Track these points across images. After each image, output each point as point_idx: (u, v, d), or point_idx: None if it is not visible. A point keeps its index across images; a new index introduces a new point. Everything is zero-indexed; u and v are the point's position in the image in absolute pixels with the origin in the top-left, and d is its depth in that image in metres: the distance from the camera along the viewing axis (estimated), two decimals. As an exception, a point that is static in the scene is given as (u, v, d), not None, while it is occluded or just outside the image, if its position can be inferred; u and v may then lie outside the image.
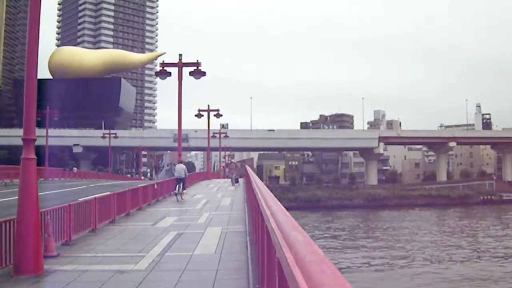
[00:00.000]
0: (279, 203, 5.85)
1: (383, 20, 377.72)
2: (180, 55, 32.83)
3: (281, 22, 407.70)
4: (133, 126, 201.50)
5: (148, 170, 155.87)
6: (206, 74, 33.31)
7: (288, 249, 3.10)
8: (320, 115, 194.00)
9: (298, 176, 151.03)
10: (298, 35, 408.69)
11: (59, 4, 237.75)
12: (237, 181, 42.57)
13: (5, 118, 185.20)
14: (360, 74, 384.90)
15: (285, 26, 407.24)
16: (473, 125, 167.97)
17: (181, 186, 29.71)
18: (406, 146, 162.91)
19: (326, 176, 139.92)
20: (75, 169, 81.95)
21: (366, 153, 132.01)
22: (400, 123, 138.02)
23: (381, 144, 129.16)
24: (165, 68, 32.69)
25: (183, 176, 30.42)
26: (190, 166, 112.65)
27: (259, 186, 10.02)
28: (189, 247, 13.41)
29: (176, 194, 29.26)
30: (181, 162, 33.24)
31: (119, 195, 19.77)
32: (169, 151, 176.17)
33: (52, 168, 69.47)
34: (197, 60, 33.07)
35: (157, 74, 33.01)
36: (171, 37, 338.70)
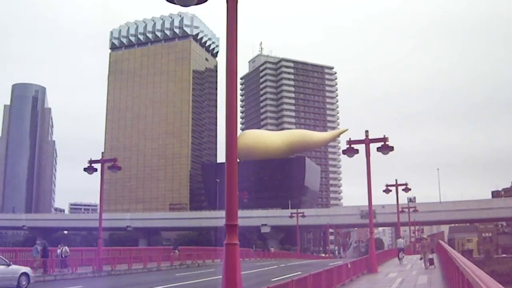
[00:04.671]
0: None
1: None
2: (366, 131, 32.58)
3: (463, 87, 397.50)
4: (319, 204, 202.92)
5: (336, 247, 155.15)
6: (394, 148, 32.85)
7: None
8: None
9: (492, 248, 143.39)
10: (480, 101, 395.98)
11: (241, 90, 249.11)
12: (431, 263, 34.92)
13: (195, 201, 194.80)
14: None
15: (468, 92, 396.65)
16: None
17: (402, 252, 44.03)
18: None
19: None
20: (272, 249, 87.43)
21: None
22: None
23: None
24: (352, 145, 32.61)
25: (403, 247, 46.48)
26: (378, 243, 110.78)
27: (472, 268, 9.38)
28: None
29: (399, 259, 43.01)
30: (400, 237, 49.94)
31: (314, 276, 19.59)
32: (356, 228, 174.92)
33: (248, 249, 73.13)
34: (384, 135, 32.68)
35: (344, 152, 32.82)
36: (352, 111, 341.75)
